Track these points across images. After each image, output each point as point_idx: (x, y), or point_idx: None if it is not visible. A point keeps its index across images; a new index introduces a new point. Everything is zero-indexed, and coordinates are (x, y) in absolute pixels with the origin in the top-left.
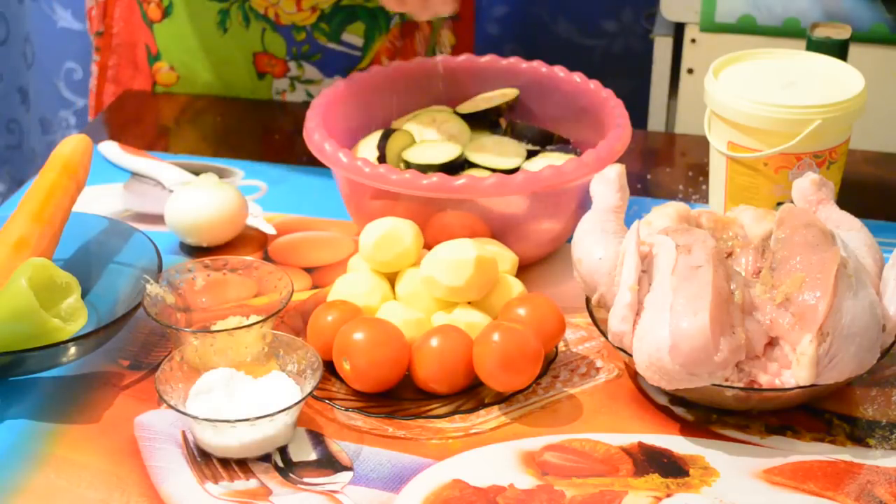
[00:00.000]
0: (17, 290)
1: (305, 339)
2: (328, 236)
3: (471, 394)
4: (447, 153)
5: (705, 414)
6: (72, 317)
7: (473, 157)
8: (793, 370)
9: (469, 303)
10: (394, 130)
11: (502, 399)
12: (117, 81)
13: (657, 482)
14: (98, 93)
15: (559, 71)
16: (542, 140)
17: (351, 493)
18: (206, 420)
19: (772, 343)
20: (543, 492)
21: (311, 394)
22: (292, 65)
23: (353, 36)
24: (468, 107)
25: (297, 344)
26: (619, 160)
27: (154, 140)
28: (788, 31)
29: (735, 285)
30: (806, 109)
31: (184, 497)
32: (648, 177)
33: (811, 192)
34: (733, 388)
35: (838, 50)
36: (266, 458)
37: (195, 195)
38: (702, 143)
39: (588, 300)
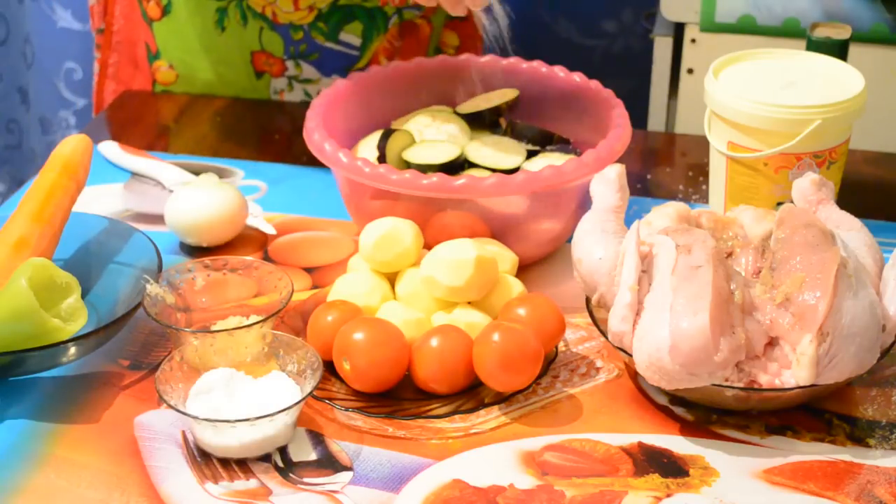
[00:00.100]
0: (17, 290)
1: (305, 339)
2: (328, 236)
3: (471, 394)
4: (447, 153)
5: (705, 414)
6: (72, 317)
7: (473, 157)
8: (793, 370)
9: (469, 303)
10: (394, 130)
11: (502, 399)
12: (118, 79)
13: (657, 482)
14: (99, 90)
15: (559, 71)
16: (542, 140)
17: (351, 493)
18: (206, 420)
19: (772, 343)
20: (543, 492)
21: (311, 394)
22: (290, 64)
23: (351, 35)
24: (468, 107)
25: (297, 344)
26: (619, 160)
27: (154, 140)
28: (788, 31)
29: (735, 285)
30: (806, 109)
31: (184, 497)
32: (648, 177)
33: (811, 192)
34: (733, 388)
35: (838, 50)
36: (266, 458)
37: (195, 195)
38: (702, 143)
39: (588, 300)
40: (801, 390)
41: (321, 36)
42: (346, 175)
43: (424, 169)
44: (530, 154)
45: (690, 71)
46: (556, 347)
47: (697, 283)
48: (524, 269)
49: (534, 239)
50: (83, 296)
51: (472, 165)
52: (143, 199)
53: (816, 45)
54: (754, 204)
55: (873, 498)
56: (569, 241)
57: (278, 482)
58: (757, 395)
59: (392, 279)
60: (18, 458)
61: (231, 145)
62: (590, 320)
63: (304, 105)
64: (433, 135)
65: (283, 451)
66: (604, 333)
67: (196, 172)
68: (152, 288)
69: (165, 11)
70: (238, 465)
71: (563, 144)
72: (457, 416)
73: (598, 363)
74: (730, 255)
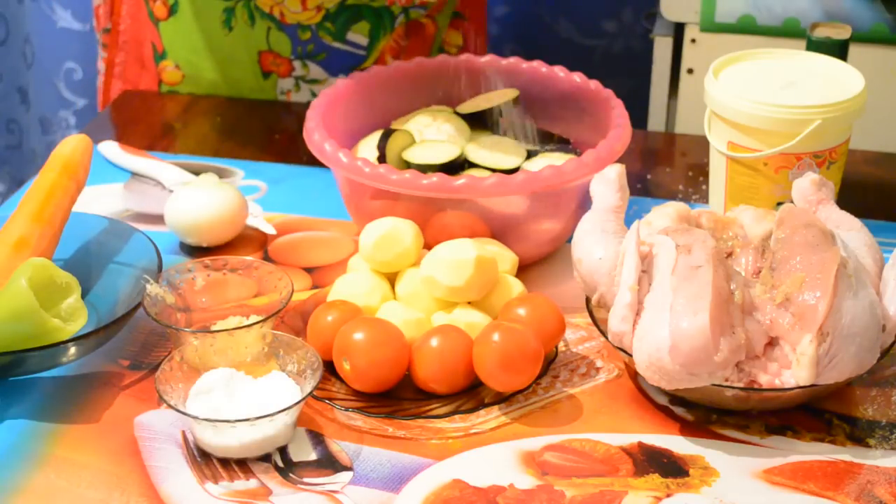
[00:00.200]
0: (17, 290)
1: (305, 339)
2: (328, 236)
3: (471, 394)
4: (447, 153)
5: (705, 414)
6: (72, 317)
7: (473, 157)
8: (793, 370)
9: (469, 303)
10: (394, 130)
11: (502, 399)
12: (124, 79)
13: (657, 482)
14: (105, 90)
15: (559, 71)
16: (542, 140)
17: (351, 493)
18: (206, 420)
19: (772, 343)
20: (543, 492)
21: (311, 394)
22: (297, 64)
23: (358, 35)
24: (468, 107)
25: (297, 344)
26: (619, 160)
27: (154, 140)
28: (788, 31)
29: (735, 285)
30: (806, 109)
31: (184, 497)
32: (648, 177)
33: (811, 192)
34: (733, 388)
35: (838, 50)
36: (266, 458)
37: (195, 195)
38: (702, 143)
39: (588, 300)
40: (801, 390)
41: (328, 36)
42: (346, 175)
43: (424, 169)
44: (530, 154)
45: (690, 71)
46: (556, 347)
47: (697, 283)
48: (524, 269)
49: (534, 239)
50: (83, 296)
51: (472, 165)
52: (143, 199)
53: (816, 45)
54: (754, 204)
55: (873, 498)
56: (569, 241)
57: (278, 482)
58: (757, 395)
59: (392, 279)
60: (18, 458)
61: (231, 145)
62: (590, 320)
63: (306, 105)
64: (433, 135)
65: (283, 451)
66: (604, 333)
67: (196, 172)
68: (152, 288)
69: (172, 11)
70: (238, 465)
71: (563, 144)
72: (457, 416)
73: (598, 363)
74: (730, 255)
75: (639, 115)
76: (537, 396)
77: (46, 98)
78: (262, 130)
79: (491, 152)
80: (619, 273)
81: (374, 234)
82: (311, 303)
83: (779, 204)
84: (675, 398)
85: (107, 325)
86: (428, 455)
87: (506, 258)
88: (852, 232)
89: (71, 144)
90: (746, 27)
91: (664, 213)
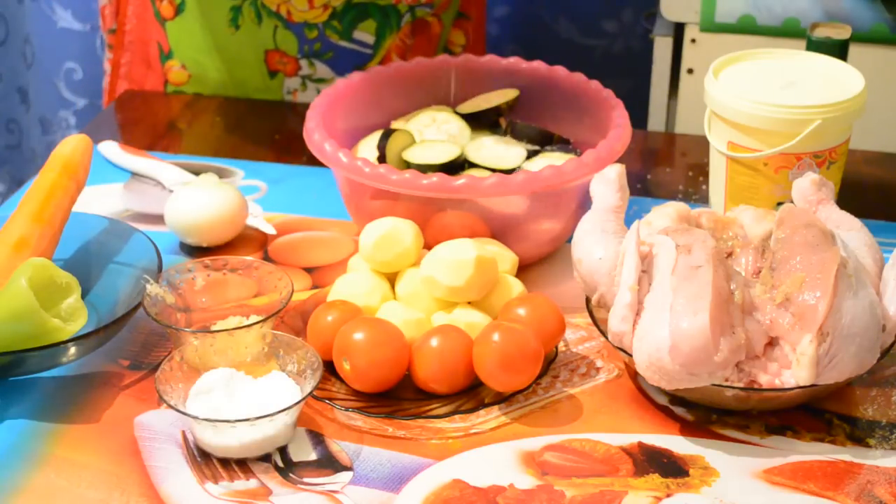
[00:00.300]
0: (17, 290)
1: (305, 339)
2: (328, 236)
3: (471, 394)
4: (447, 153)
5: (705, 414)
6: (72, 317)
7: (473, 157)
8: (793, 370)
9: (469, 303)
10: (394, 130)
11: (502, 399)
12: (130, 79)
13: (657, 482)
14: (111, 90)
15: (559, 71)
16: (542, 140)
17: (351, 493)
18: (206, 420)
19: (772, 343)
20: (543, 492)
21: (311, 394)
22: (304, 63)
23: (365, 34)
24: (468, 107)
25: (297, 344)
26: (619, 160)
27: (154, 140)
28: (788, 31)
29: (735, 285)
30: (806, 109)
31: (184, 497)
32: (648, 177)
33: (811, 192)
34: (733, 388)
35: (838, 50)
36: (266, 458)
37: (195, 195)
38: (702, 143)
39: (588, 300)
40: (801, 390)
41: (335, 34)
42: (346, 175)
43: (424, 169)
44: (530, 154)
45: (690, 71)
46: (556, 347)
47: (697, 283)
48: (524, 269)
49: (534, 239)
50: (83, 296)
51: (472, 165)
52: (143, 199)
53: (816, 45)
54: (754, 204)
55: (873, 498)
56: (569, 241)
57: (278, 482)
58: (757, 395)
59: (392, 279)
60: (18, 458)
61: (232, 145)
62: (590, 320)
63: (307, 105)
64: (433, 135)
65: (283, 451)
66: (604, 333)
67: (196, 172)
68: (152, 288)
69: (179, 10)
70: (238, 465)
71: (563, 144)
72: (457, 416)
73: (598, 363)
74: (730, 255)
75: (639, 116)
76: (537, 396)
77: (46, 98)
78: (262, 130)
79: (491, 152)
80: (619, 273)
81: (374, 234)
82: (311, 303)
83: (779, 204)
84: (675, 398)
85: (107, 325)
86: (428, 455)
87: (506, 258)
88: (852, 232)
89: (71, 144)
90: (746, 27)
91: (664, 213)
